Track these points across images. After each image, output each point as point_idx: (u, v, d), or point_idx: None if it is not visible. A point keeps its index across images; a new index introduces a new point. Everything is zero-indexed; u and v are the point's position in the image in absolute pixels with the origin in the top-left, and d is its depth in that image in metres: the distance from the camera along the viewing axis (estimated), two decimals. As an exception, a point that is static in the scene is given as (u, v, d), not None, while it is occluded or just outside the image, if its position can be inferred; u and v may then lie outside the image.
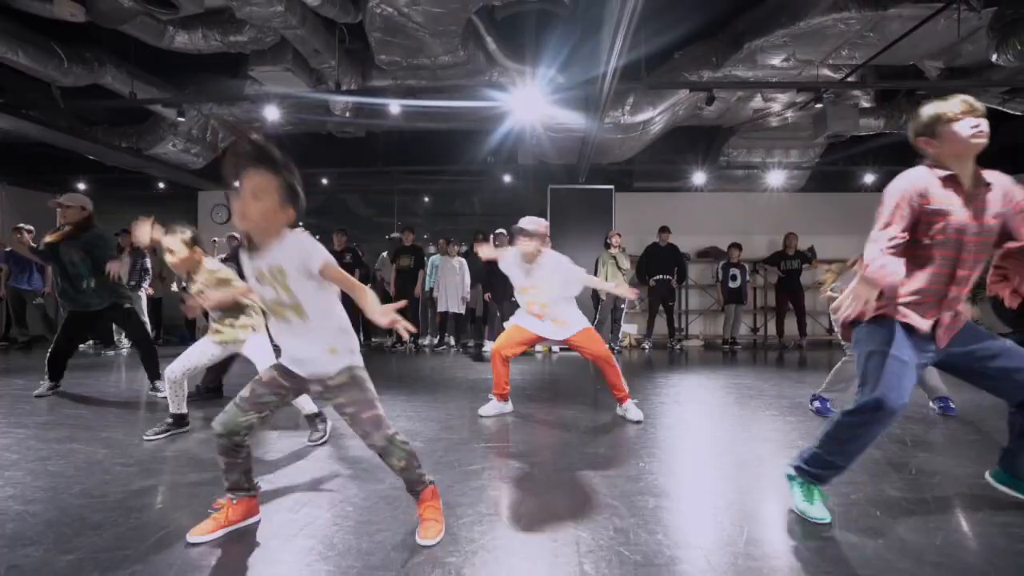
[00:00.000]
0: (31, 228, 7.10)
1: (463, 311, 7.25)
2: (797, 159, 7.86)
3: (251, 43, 4.63)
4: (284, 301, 1.64)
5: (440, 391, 4.33)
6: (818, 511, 1.85)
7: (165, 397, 3.94)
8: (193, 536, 1.72)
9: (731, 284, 7.76)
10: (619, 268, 7.29)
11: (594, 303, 7.54)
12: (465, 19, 4.73)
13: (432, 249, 8.06)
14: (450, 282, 7.16)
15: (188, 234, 2.90)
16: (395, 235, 7.92)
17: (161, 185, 8.62)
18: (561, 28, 5.00)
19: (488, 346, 7.29)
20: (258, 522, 1.85)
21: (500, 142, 7.27)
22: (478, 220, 8.92)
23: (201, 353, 2.92)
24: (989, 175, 1.75)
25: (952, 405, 3.43)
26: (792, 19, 4.64)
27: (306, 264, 1.58)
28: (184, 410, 2.97)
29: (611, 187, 7.84)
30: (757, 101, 6.33)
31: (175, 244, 2.85)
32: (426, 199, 9.18)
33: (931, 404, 3.52)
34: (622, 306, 7.39)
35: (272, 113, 5.45)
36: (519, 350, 3.45)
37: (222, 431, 1.71)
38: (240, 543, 1.73)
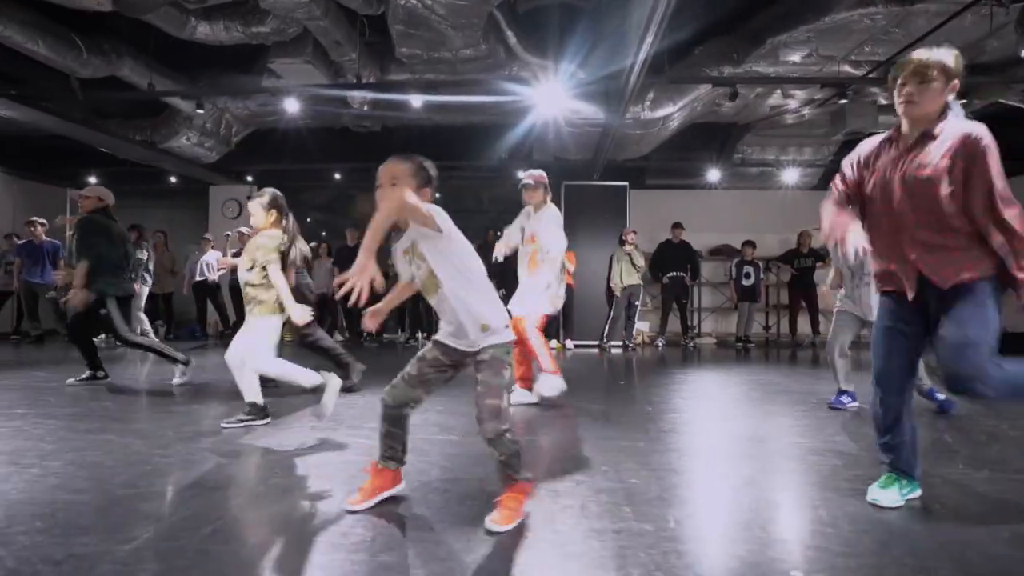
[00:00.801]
0: (44, 221, 7.09)
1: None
2: (811, 156, 7.83)
3: (273, 34, 4.59)
4: (424, 275, 1.75)
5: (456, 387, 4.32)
6: (889, 497, 1.84)
7: (179, 385, 4.05)
8: (352, 505, 1.83)
9: (745, 282, 7.75)
10: (634, 265, 7.28)
11: (608, 299, 7.53)
12: (487, 12, 4.70)
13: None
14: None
15: (266, 197, 3.00)
16: None
17: (173, 179, 8.59)
18: (584, 22, 4.97)
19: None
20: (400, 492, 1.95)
21: (516, 137, 7.24)
22: (490, 217, 8.90)
23: (271, 337, 2.93)
24: (942, 127, 1.70)
25: (940, 396, 3.24)
26: (817, 14, 4.61)
27: (427, 235, 1.68)
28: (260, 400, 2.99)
29: (626, 183, 7.81)
30: (774, 98, 6.30)
31: (255, 209, 2.96)
32: (438, 195, 9.15)
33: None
34: (636, 303, 7.38)
35: (292, 106, 5.42)
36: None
37: (392, 403, 1.84)
38: (294, 544, 1.71)
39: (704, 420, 3.40)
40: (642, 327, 7.89)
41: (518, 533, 1.69)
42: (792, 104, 6.43)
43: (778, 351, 7.40)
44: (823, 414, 3.36)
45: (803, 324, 7.89)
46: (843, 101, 5.37)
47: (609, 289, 7.45)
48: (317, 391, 2.87)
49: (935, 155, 1.68)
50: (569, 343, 7.38)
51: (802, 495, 2.08)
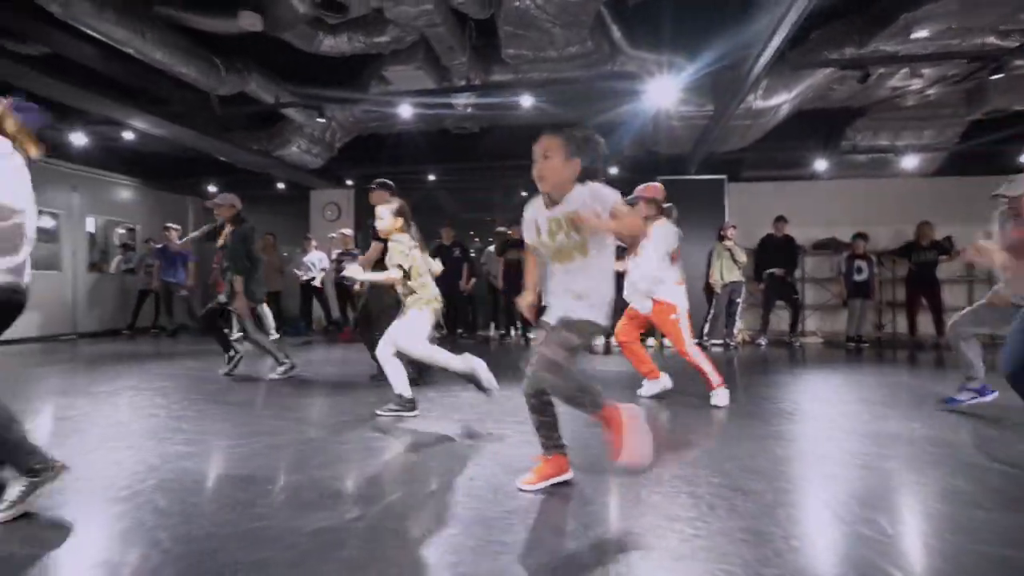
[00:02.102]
0: (178, 227, 7.82)
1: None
2: (932, 140, 7.20)
3: (391, 43, 4.81)
4: (572, 243, 1.89)
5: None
6: None
7: (278, 377, 4.28)
8: (523, 484, 1.97)
9: (856, 277, 7.26)
10: (735, 261, 7.01)
11: (707, 296, 7.30)
12: (595, 9, 4.69)
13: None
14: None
15: (395, 204, 3.22)
16: (502, 229, 8.02)
17: (280, 185, 9.20)
18: (697, 12, 4.84)
19: (598, 341, 7.24)
20: (570, 480, 2.03)
21: (610, 132, 7.17)
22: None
23: (423, 326, 3.08)
24: None
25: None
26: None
27: (603, 206, 1.80)
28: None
29: (723, 177, 7.54)
30: (897, 78, 5.85)
31: (384, 212, 3.17)
32: (523, 193, 9.24)
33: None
34: (738, 300, 7.11)
35: (406, 111, 5.66)
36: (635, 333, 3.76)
37: (530, 391, 1.93)
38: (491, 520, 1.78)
39: (844, 421, 3.22)
40: (741, 325, 7.58)
41: (650, 531, 1.67)
42: (916, 84, 5.94)
43: (894, 351, 6.89)
44: (957, 417, 3.09)
45: (923, 323, 7.28)
46: (996, 76, 4.82)
47: (708, 286, 7.21)
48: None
49: None
50: (667, 341, 7.22)
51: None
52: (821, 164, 7.60)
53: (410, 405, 3.12)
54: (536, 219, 1.99)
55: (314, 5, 3.80)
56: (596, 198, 1.82)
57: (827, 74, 5.29)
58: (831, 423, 3.14)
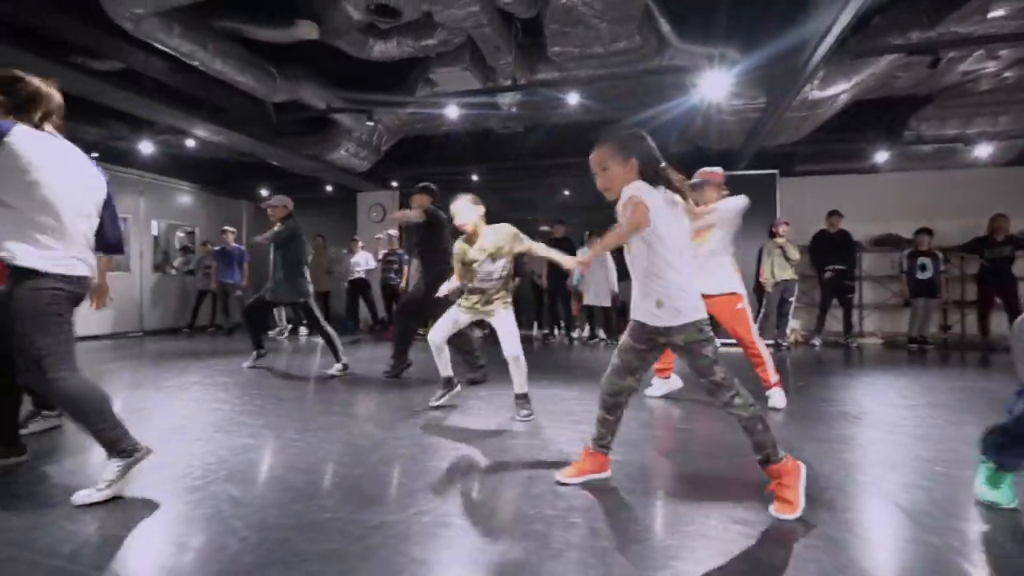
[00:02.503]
0: (233, 230, 8.18)
1: (610, 304, 7.14)
2: (1007, 127, 6.71)
3: (439, 46, 4.87)
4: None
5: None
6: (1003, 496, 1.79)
7: (335, 376, 4.40)
8: (562, 477, 2.04)
9: (920, 275, 6.85)
10: (787, 259, 6.75)
11: (757, 295, 7.06)
12: (643, 3, 4.61)
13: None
14: (597, 275, 7.09)
15: (471, 196, 3.17)
16: (546, 228, 8.01)
17: (328, 188, 9.48)
18: (748, 1, 4.68)
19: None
20: (607, 478, 2.08)
21: (657, 128, 7.04)
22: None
23: (452, 320, 3.13)
24: None
25: None
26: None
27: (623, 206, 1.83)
28: (450, 373, 3.26)
29: (775, 171, 7.27)
30: (970, 62, 5.48)
31: (464, 207, 3.11)
32: (566, 192, 9.19)
33: None
34: (790, 299, 6.85)
35: (453, 112, 5.73)
36: None
37: (609, 391, 2.01)
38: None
39: (914, 426, 3.05)
40: (794, 324, 7.30)
41: (717, 533, 1.61)
42: (991, 67, 5.55)
43: (963, 353, 6.47)
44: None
45: (996, 323, 6.81)
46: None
47: (759, 284, 6.98)
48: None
49: None
50: (717, 341, 7.03)
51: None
52: (881, 156, 7.22)
53: (450, 383, 3.29)
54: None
55: (368, 11, 3.89)
56: (624, 203, 1.84)
57: (890, 60, 5.01)
58: (899, 428, 2.98)
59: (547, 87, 5.70)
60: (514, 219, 10.58)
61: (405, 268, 8.00)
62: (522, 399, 3.04)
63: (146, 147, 7.03)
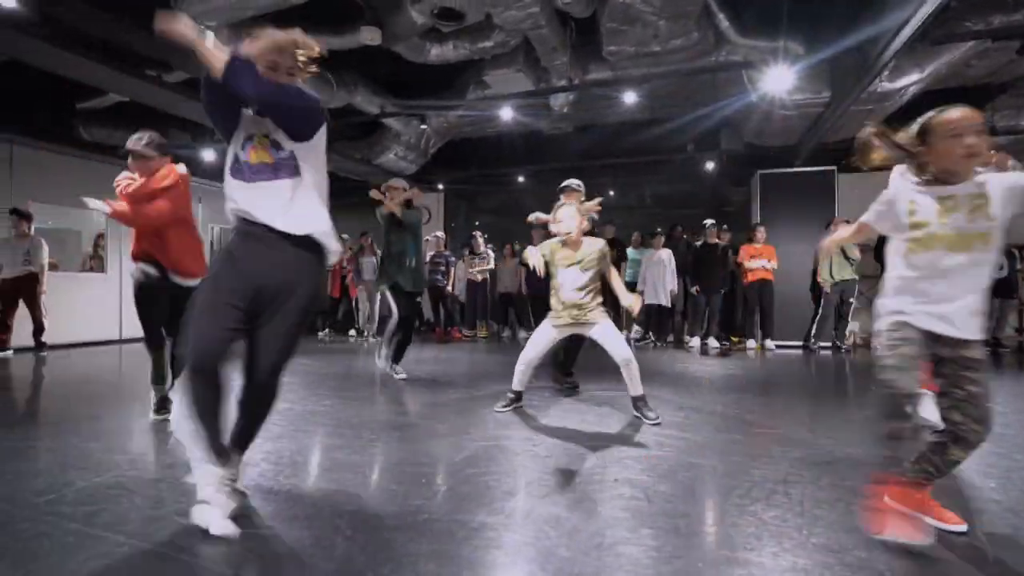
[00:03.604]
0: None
1: (670, 304, 7.05)
2: (1093, 117, 6.28)
3: (495, 48, 4.89)
4: (974, 229, 1.56)
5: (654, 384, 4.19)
6: None
7: (397, 376, 4.30)
8: (954, 526, 1.66)
9: (995, 274, 6.47)
10: (847, 258, 6.50)
11: (814, 296, 6.82)
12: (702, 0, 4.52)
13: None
14: (657, 275, 7.01)
15: (576, 202, 3.15)
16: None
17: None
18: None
19: (694, 342, 6.98)
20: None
21: (703, 127, 6.89)
22: (671, 211, 8.62)
23: (547, 337, 3.13)
24: None
25: None
26: None
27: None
28: (523, 389, 3.25)
29: (833, 167, 7.01)
30: (1053, 48, 5.14)
31: (570, 214, 3.06)
32: (611, 192, 9.10)
33: None
34: (850, 300, 6.58)
35: (507, 114, 5.76)
36: None
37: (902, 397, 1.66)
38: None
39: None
40: (853, 327, 7.02)
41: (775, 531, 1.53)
42: (1078, 53, 5.19)
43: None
44: None
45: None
46: None
47: (816, 285, 6.73)
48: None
49: None
50: (770, 343, 6.83)
51: None
52: (950, 150, 6.85)
53: (519, 397, 3.27)
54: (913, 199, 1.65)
55: (433, 15, 3.94)
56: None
57: (968, 48, 4.76)
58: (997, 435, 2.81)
59: (600, 87, 5.65)
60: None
61: (452, 270, 8.08)
62: (641, 401, 3.01)
63: (207, 155, 7.31)
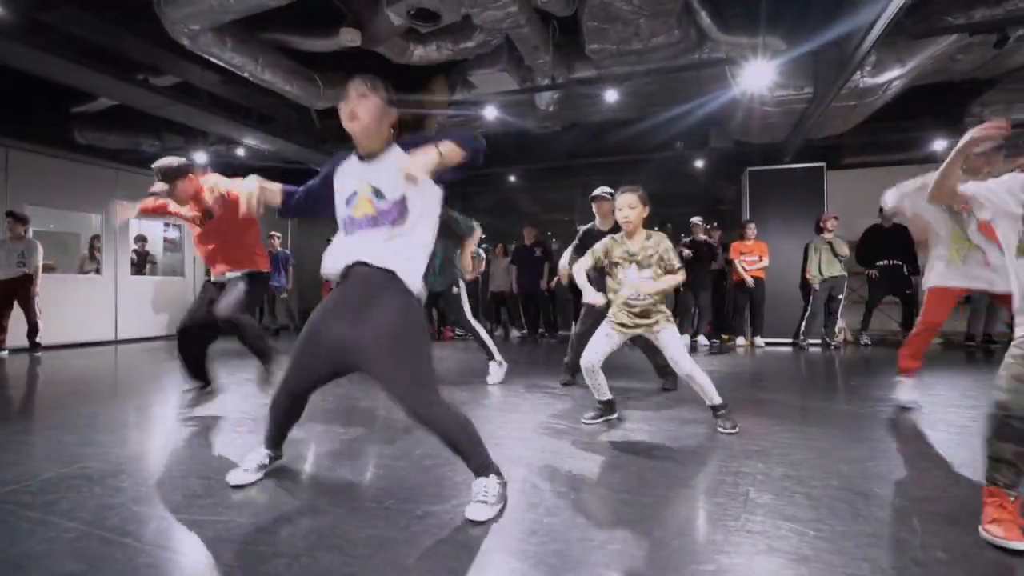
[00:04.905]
0: (279, 234, 8.52)
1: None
2: (1082, 111, 6.25)
3: (477, 48, 4.94)
4: None
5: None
6: None
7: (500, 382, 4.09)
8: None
9: (986, 270, 6.45)
10: (836, 255, 6.50)
11: (803, 293, 6.82)
12: (683, -4, 4.54)
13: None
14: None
15: (640, 191, 2.76)
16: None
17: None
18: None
19: (684, 340, 6.97)
20: None
21: (691, 124, 6.91)
22: (664, 210, 8.62)
23: (605, 339, 2.82)
24: None
25: None
26: None
27: None
28: (609, 396, 2.91)
29: (822, 164, 7.01)
30: (1038, 42, 5.13)
31: (631, 203, 2.71)
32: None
33: None
34: (839, 297, 6.58)
35: (491, 113, 5.81)
36: None
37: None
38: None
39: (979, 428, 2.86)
40: (842, 324, 7.01)
41: (768, 532, 1.54)
42: (1063, 47, 5.18)
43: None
44: None
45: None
46: None
47: (806, 282, 6.74)
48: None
49: None
50: (759, 340, 6.83)
51: None
52: (939, 144, 6.85)
53: (610, 406, 2.95)
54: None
55: (409, 16, 3.99)
56: None
57: (950, 42, 4.76)
58: (964, 429, 2.81)
59: (585, 85, 5.69)
60: (550, 220, 10.57)
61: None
62: (720, 409, 2.74)
63: (200, 157, 7.40)
